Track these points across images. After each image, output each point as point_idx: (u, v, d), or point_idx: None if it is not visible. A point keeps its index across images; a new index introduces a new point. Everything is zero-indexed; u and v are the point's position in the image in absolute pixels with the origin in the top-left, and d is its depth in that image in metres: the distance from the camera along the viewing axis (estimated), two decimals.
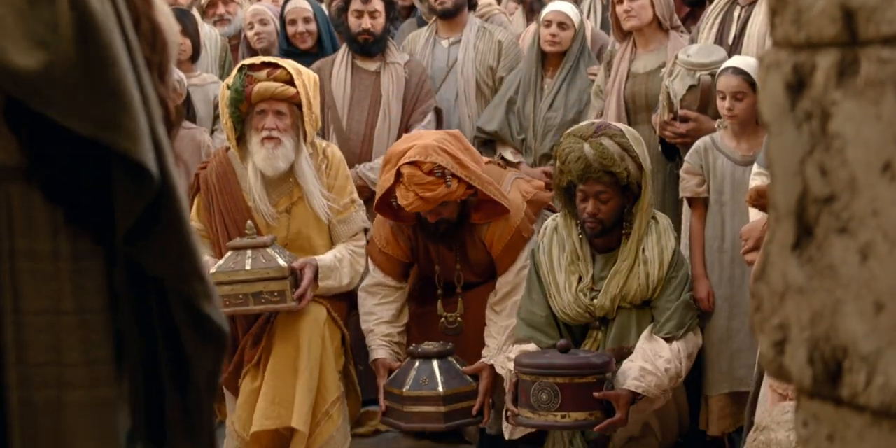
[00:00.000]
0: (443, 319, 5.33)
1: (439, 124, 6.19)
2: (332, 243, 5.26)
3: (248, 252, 4.94)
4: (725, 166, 4.95)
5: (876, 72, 1.15)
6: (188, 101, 6.02)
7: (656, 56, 5.57)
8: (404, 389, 4.99)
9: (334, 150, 5.33)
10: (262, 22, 6.87)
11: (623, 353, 4.86)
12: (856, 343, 1.17)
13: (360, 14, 6.18)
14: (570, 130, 4.83)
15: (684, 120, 5.20)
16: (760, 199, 3.87)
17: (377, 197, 5.06)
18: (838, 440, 1.24)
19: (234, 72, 5.12)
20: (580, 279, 4.89)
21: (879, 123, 1.15)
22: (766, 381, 4.10)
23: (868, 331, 1.16)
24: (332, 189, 5.21)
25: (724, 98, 4.85)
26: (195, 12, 6.98)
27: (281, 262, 4.92)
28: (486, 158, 5.38)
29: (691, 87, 5.22)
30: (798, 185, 1.24)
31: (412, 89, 6.12)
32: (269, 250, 4.95)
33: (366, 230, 5.33)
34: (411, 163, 4.82)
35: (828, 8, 1.21)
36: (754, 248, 4.17)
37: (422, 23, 7.11)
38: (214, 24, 7.22)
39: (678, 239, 5.01)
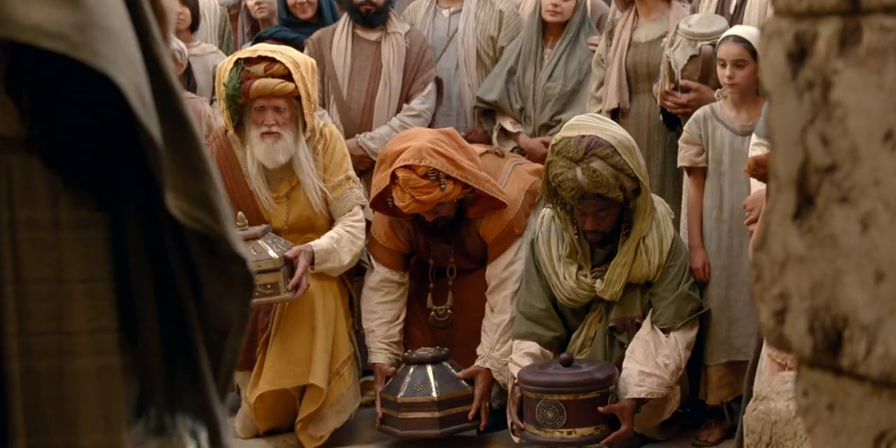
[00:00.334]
0: (433, 313, 5.35)
1: (440, 94, 6.17)
2: (331, 222, 5.27)
3: None
4: (724, 136, 4.94)
5: (878, 40, 1.14)
6: (189, 72, 6.00)
7: (658, 25, 5.54)
8: (399, 396, 5.00)
9: (331, 128, 5.33)
10: None
11: (627, 323, 4.89)
12: (856, 312, 1.17)
13: None
14: (557, 146, 4.72)
15: (685, 90, 5.19)
16: (759, 169, 3.87)
17: (372, 196, 5.07)
18: (838, 410, 1.25)
19: (230, 65, 5.05)
20: (580, 267, 4.92)
21: (881, 92, 1.14)
22: (766, 351, 4.11)
23: (868, 300, 1.16)
24: (327, 166, 5.21)
25: (724, 66, 4.84)
26: None
27: (272, 253, 4.87)
28: (482, 148, 5.41)
29: (692, 58, 5.21)
30: (799, 155, 1.24)
31: (413, 59, 6.10)
32: (260, 242, 4.91)
33: (362, 207, 5.32)
34: (406, 166, 4.83)
35: None
36: (758, 219, 4.17)
37: None
38: None
39: (676, 222, 5.03)
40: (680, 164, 5.09)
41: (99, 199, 1.75)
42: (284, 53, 5.06)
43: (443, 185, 4.83)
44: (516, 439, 4.84)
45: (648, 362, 4.76)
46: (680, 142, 5.07)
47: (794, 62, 1.24)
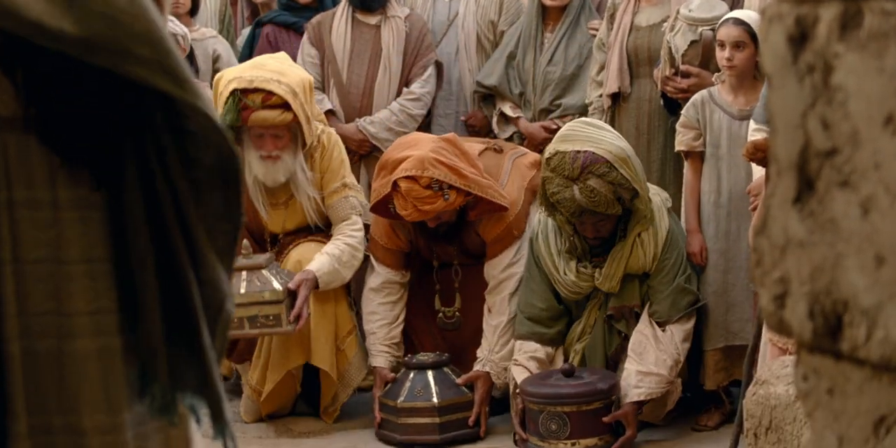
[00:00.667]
0: (440, 314, 5.34)
1: (440, 78, 6.16)
2: (328, 225, 5.27)
3: (244, 274, 4.90)
4: (722, 120, 4.94)
5: (879, 24, 1.14)
6: (191, 56, 5.99)
7: (660, 9, 5.53)
8: (399, 401, 5.00)
9: (329, 134, 5.28)
10: None
11: (625, 311, 4.89)
12: (856, 297, 1.17)
13: None
14: (552, 162, 4.65)
15: (686, 75, 5.19)
16: (758, 154, 3.87)
17: (372, 201, 5.04)
18: (838, 394, 1.25)
19: (225, 92, 4.96)
20: (579, 260, 4.91)
21: (882, 76, 1.14)
22: (766, 336, 4.12)
23: (869, 284, 1.16)
24: (324, 174, 5.20)
25: (723, 47, 4.84)
26: None
27: (276, 285, 4.88)
28: (480, 145, 5.34)
29: (693, 43, 5.21)
30: (800, 139, 1.24)
31: (412, 43, 6.09)
32: (264, 272, 4.92)
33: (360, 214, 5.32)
34: (408, 177, 4.79)
35: None
36: None
37: None
38: None
39: (677, 207, 5.03)
40: (677, 148, 5.09)
41: (96, 178, 1.75)
42: (281, 82, 4.97)
43: (446, 196, 4.81)
44: (520, 445, 4.84)
45: (646, 360, 4.77)
46: (677, 126, 5.07)
47: (795, 46, 1.24)
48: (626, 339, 4.91)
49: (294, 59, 6.26)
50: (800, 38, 1.23)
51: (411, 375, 5.06)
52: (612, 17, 5.65)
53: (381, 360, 5.23)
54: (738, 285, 4.99)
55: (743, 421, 3.22)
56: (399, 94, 6.08)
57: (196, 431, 1.89)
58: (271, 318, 4.87)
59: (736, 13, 4.89)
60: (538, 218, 5.01)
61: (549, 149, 4.73)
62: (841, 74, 1.18)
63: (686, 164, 5.11)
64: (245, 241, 4.98)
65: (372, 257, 5.34)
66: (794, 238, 1.25)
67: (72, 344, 1.74)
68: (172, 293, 1.76)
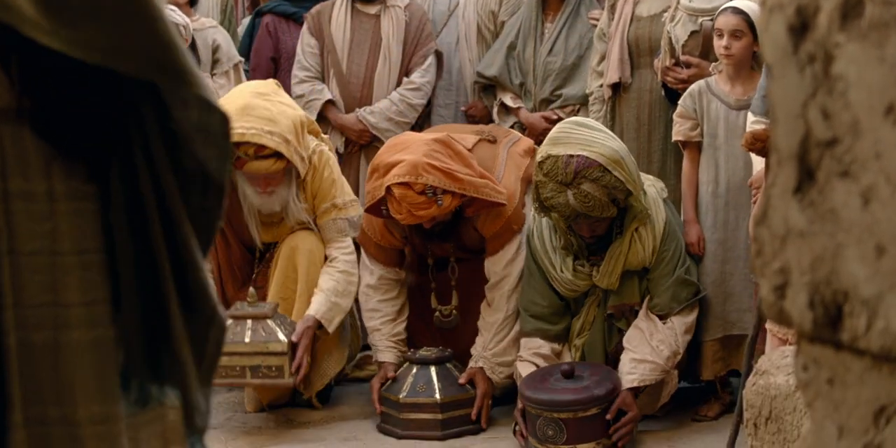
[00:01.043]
0: (437, 313, 5.30)
1: (440, 67, 6.16)
2: (321, 242, 5.26)
3: (248, 323, 4.91)
4: (719, 110, 4.94)
5: (880, 13, 1.14)
6: (192, 47, 5.98)
7: (660, 0, 5.53)
8: (401, 396, 4.99)
9: (321, 153, 5.20)
10: None
11: (625, 310, 4.89)
12: (857, 287, 1.17)
13: None
14: (545, 166, 4.60)
15: (686, 65, 5.19)
16: (756, 144, 3.87)
17: (366, 203, 4.99)
18: (838, 384, 1.25)
19: None
20: (576, 257, 4.90)
21: (883, 66, 1.14)
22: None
23: (869, 275, 1.16)
24: (315, 194, 5.18)
25: (721, 36, 4.84)
26: None
27: (281, 336, 4.89)
28: (474, 137, 5.26)
29: (693, 33, 5.21)
30: (800, 129, 1.23)
31: (412, 32, 6.08)
32: (269, 322, 4.93)
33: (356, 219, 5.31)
34: (402, 183, 4.72)
35: None
36: None
37: None
38: None
39: (670, 200, 5.02)
40: (675, 138, 5.09)
41: (90, 170, 1.75)
42: (273, 133, 4.89)
43: (439, 201, 4.74)
44: (520, 441, 4.84)
45: (641, 349, 4.78)
46: (675, 116, 5.07)
47: (796, 36, 1.24)
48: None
49: (294, 49, 6.26)
50: (800, 27, 1.23)
51: (414, 370, 5.05)
52: (612, 7, 5.64)
53: (389, 355, 5.21)
54: (736, 275, 4.99)
55: (743, 411, 3.22)
56: (399, 83, 6.07)
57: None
58: (274, 369, 4.91)
59: (734, 2, 4.89)
60: (533, 215, 4.97)
61: (542, 152, 4.67)
62: (842, 64, 1.18)
63: (684, 155, 5.11)
64: (251, 290, 5.04)
65: (365, 254, 5.29)
66: (794, 228, 1.25)
67: (67, 335, 1.74)
68: (149, 288, 1.76)
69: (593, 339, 4.96)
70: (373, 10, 6.13)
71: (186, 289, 1.77)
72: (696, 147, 5.03)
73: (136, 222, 1.75)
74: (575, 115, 5.85)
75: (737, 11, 4.79)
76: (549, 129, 5.51)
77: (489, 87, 6.15)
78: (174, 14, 5.75)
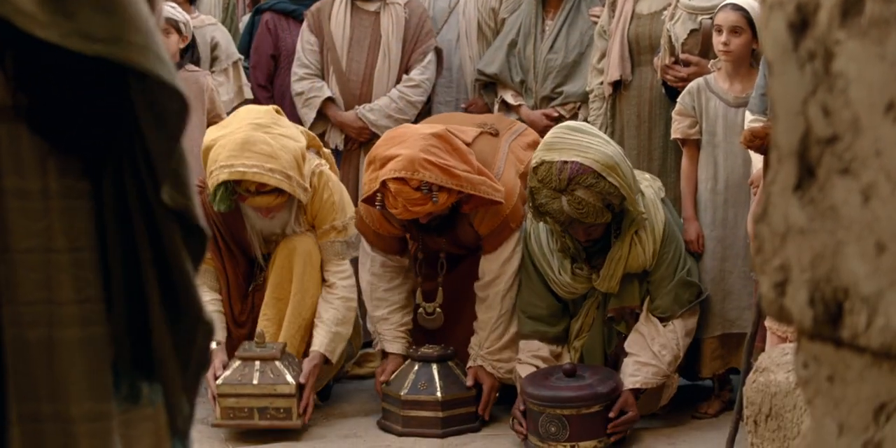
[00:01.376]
0: (421, 309, 5.25)
1: (440, 65, 6.15)
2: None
3: (257, 364, 4.93)
4: (718, 108, 4.94)
5: (881, 11, 1.14)
6: (193, 45, 5.98)
7: None
8: (402, 393, 4.99)
9: (321, 174, 5.19)
10: None
11: (625, 313, 4.88)
12: (857, 284, 1.17)
13: None
14: (539, 172, 4.58)
15: (686, 64, 5.19)
16: (755, 141, 3.87)
17: (362, 196, 4.97)
18: (838, 381, 1.25)
19: (216, 182, 4.87)
20: (574, 260, 4.88)
21: (883, 63, 1.14)
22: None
23: (869, 272, 1.16)
24: (315, 216, 5.20)
25: (720, 32, 4.83)
26: None
27: (289, 378, 4.91)
28: (475, 130, 5.19)
29: (692, 31, 5.21)
30: (800, 126, 1.23)
31: (412, 29, 6.08)
32: (277, 364, 4.94)
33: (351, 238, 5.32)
34: (398, 178, 4.66)
35: None
36: None
37: None
38: None
39: (666, 199, 5.02)
40: (673, 136, 5.10)
41: (84, 167, 1.75)
42: (274, 170, 4.88)
43: (434, 199, 4.68)
44: (518, 432, 4.84)
45: (644, 352, 4.78)
46: (673, 114, 5.08)
47: (796, 33, 1.24)
48: (626, 338, 4.91)
49: (293, 46, 6.25)
50: (801, 24, 1.23)
51: (416, 368, 5.05)
52: (613, 5, 5.64)
53: (397, 346, 5.21)
54: (735, 273, 4.99)
55: (743, 408, 3.22)
56: (399, 80, 6.07)
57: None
58: (282, 411, 4.94)
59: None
60: (529, 216, 4.94)
61: (536, 157, 4.64)
62: (842, 61, 1.18)
63: (683, 152, 5.11)
64: (259, 330, 5.04)
65: (365, 242, 5.26)
66: (794, 225, 1.24)
67: (61, 332, 1.74)
68: (135, 286, 1.76)
69: (592, 341, 4.95)
70: (372, 7, 6.12)
71: (172, 289, 1.77)
72: (694, 145, 5.03)
73: (124, 221, 1.75)
74: (576, 112, 5.86)
75: (736, 8, 4.79)
76: (549, 127, 5.51)
77: (490, 84, 6.15)
78: (174, 11, 5.74)
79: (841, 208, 1.19)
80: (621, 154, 4.67)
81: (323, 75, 6.13)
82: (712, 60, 5.03)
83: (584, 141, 4.60)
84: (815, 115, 1.21)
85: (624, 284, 4.85)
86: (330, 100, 6.09)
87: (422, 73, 6.06)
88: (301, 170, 4.97)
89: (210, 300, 5.07)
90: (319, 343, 5.07)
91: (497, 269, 5.03)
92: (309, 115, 6.11)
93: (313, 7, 6.21)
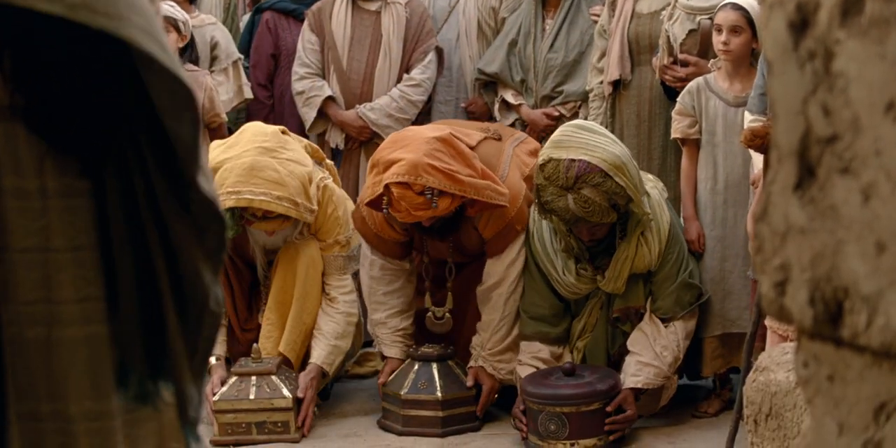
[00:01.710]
0: (430, 313, 5.24)
1: (440, 64, 6.16)
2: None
3: (253, 379, 4.94)
4: (718, 107, 4.94)
5: (881, 10, 1.14)
6: (192, 44, 5.98)
7: None
8: (402, 392, 4.99)
9: (325, 188, 5.18)
10: None
11: (629, 312, 4.88)
12: (857, 283, 1.17)
13: None
14: (546, 169, 4.56)
15: (684, 64, 5.18)
16: (756, 140, 3.87)
17: (365, 199, 4.91)
18: (838, 380, 1.25)
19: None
20: (578, 260, 4.88)
21: (883, 63, 1.13)
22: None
23: (869, 271, 1.16)
24: (319, 230, 5.21)
25: (720, 32, 4.83)
26: None
27: (286, 392, 4.93)
28: (480, 134, 5.18)
29: (691, 32, 5.21)
30: (800, 125, 1.23)
31: (413, 29, 6.08)
32: (274, 378, 4.95)
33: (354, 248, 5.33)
34: (401, 183, 4.63)
35: None
36: None
37: None
38: None
39: (667, 201, 5.01)
40: (673, 135, 5.10)
41: (82, 166, 1.75)
42: (281, 198, 4.89)
43: (435, 204, 4.65)
44: (520, 428, 4.84)
45: (646, 352, 4.78)
46: (673, 113, 5.08)
47: (796, 32, 1.24)
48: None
49: (293, 45, 6.25)
50: (801, 24, 1.23)
51: (416, 367, 5.05)
52: (613, 4, 5.64)
53: (395, 350, 5.20)
54: (735, 273, 4.99)
55: (743, 407, 3.22)
56: (399, 80, 6.07)
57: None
58: (279, 424, 4.95)
59: None
60: (533, 217, 4.93)
61: (543, 155, 4.63)
62: (842, 61, 1.18)
63: (683, 152, 5.11)
64: (255, 345, 5.06)
65: (366, 245, 5.24)
66: (794, 225, 1.24)
67: (61, 332, 1.74)
68: (145, 282, 1.76)
69: (595, 342, 4.95)
70: (373, 6, 6.13)
71: (179, 282, 1.77)
72: (694, 144, 5.03)
73: (131, 218, 1.74)
74: (576, 111, 5.86)
75: (736, 7, 4.79)
76: (550, 126, 5.51)
77: (490, 83, 6.15)
78: (173, 10, 5.74)
79: (841, 208, 1.19)
80: (628, 155, 4.66)
81: (324, 74, 6.13)
82: (712, 60, 5.03)
83: (592, 140, 4.59)
84: (816, 114, 1.21)
85: (629, 285, 4.85)
86: (331, 99, 6.09)
87: (422, 72, 6.06)
88: (308, 194, 4.99)
89: None
90: (317, 356, 5.10)
91: (502, 272, 5.01)
92: (309, 114, 6.11)
93: (314, 6, 6.21)
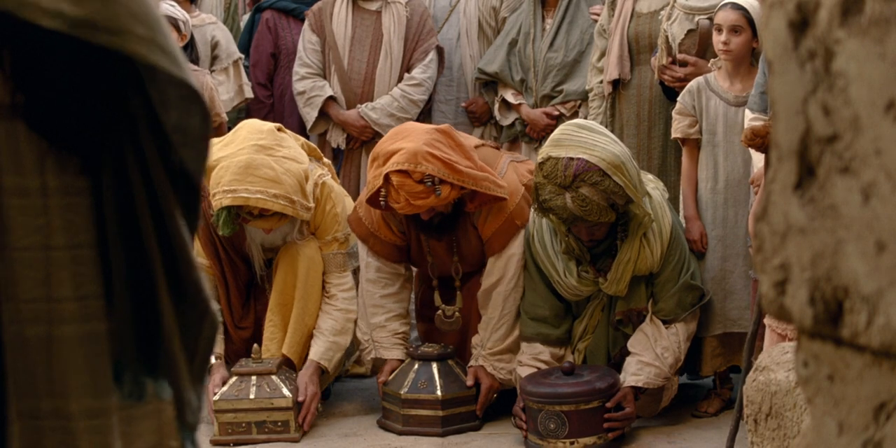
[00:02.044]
0: (440, 311, 5.23)
1: (441, 64, 6.16)
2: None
3: (253, 379, 4.94)
4: (718, 107, 4.94)
5: (881, 10, 1.14)
6: (192, 43, 5.97)
7: None
8: (402, 392, 4.98)
9: (323, 186, 5.17)
10: None
11: (632, 314, 4.87)
12: (857, 283, 1.17)
13: None
14: (545, 168, 4.55)
15: (683, 64, 5.18)
16: (756, 139, 3.87)
17: (366, 194, 4.92)
18: (838, 380, 1.25)
19: (217, 205, 4.85)
20: (579, 262, 4.87)
21: (883, 62, 1.13)
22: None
23: (869, 271, 1.16)
24: (317, 227, 5.20)
25: (720, 32, 4.83)
26: None
27: (286, 392, 4.93)
28: (478, 141, 5.20)
29: (690, 31, 5.20)
30: (801, 125, 1.23)
31: (413, 28, 6.08)
32: (274, 378, 4.96)
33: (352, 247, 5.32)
34: (401, 171, 4.64)
35: None
36: None
37: None
38: None
39: (668, 202, 5.01)
40: (673, 135, 5.09)
41: (82, 164, 1.75)
42: (278, 196, 4.88)
43: (438, 192, 4.66)
44: (523, 435, 4.84)
45: (647, 353, 4.78)
46: (673, 113, 5.07)
47: (796, 32, 1.24)
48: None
49: (293, 45, 6.25)
50: (801, 23, 1.23)
51: (416, 366, 5.05)
52: (613, 4, 5.64)
53: (396, 352, 5.18)
54: (736, 272, 4.98)
55: (743, 407, 3.22)
56: (400, 79, 6.07)
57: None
58: (279, 424, 4.95)
59: None
60: (533, 218, 4.92)
61: (542, 153, 4.62)
62: (842, 60, 1.18)
63: (683, 152, 5.11)
64: (255, 346, 5.07)
65: (362, 247, 5.22)
66: (794, 224, 1.24)
67: (60, 329, 1.74)
68: (140, 281, 1.76)
69: (597, 343, 4.95)
70: (374, 6, 6.13)
71: (178, 283, 1.77)
72: (694, 144, 5.03)
73: (128, 217, 1.75)
74: (576, 110, 5.86)
75: (736, 7, 4.79)
76: (550, 125, 5.51)
77: (490, 83, 6.15)
78: (173, 9, 5.74)
79: (841, 207, 1.19)
80: (628, 154, 4.64)
81: (324, 74, 6.13)
82: (712, 59, 5.03)
83: (591, 139, 4.58)
84: (816, 114, 1.21)
85: (631, 286, 4.84)
86: (332, 99, 6.09)
87: (423, 71, 6.06)
88: (304, 191, 4.97)
89: None
90: (315, 352, 5.10)
91: (501, 269, 5.01)
92: (311, 114, 6.11)
93: (315, 6, 6.21)
